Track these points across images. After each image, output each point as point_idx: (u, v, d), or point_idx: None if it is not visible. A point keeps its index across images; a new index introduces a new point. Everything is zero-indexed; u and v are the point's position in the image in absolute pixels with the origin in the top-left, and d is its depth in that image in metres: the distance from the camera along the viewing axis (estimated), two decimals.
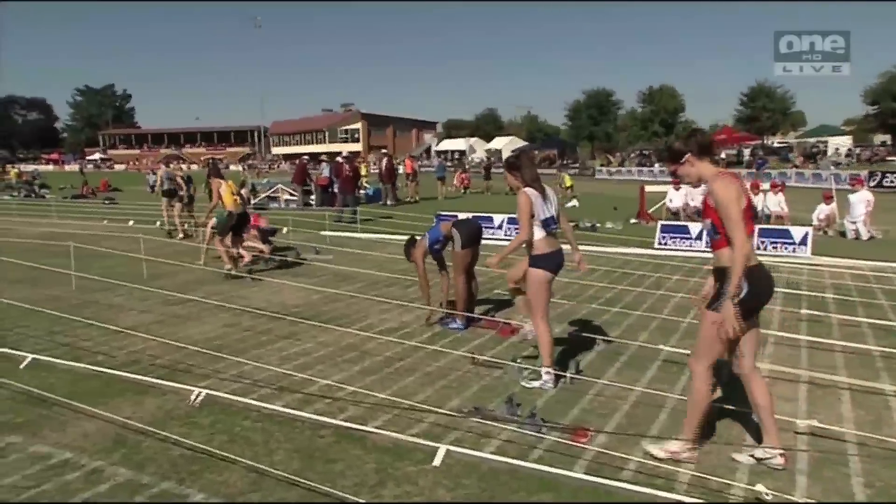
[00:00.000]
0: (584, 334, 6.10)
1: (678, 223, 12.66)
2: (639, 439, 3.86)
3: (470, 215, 14.45)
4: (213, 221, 9.43)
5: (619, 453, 3.65)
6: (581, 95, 78.42)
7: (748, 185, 14.87)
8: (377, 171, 24.61)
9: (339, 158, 18.43)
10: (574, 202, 22.16)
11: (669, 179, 35.60)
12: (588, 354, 5.60)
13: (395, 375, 5.12)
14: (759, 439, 3.71)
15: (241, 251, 9.25)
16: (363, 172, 22.64)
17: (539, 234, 4.84)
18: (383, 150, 22.93)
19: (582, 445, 3.82)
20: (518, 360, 5.27)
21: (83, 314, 6.86)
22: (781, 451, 3.53)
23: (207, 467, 3.57)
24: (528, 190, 4.91)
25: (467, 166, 51.16)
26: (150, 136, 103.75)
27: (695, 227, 11.69)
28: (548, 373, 4.82)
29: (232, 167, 76.22)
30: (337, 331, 6.30)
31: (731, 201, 3.31)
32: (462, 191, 29.80)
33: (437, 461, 3.62)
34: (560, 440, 3.86)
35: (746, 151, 45.53)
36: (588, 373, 5.05)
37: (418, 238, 6.86)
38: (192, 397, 4.47)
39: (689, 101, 73.29)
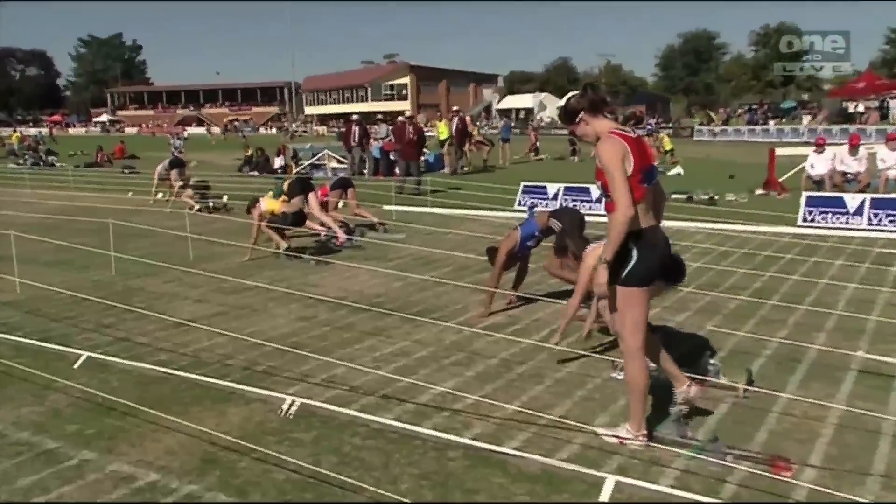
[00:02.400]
0: (743, 334, 5.80)
1: (829, 195, 12.08)
2: (863, 478, 3.58)
3: (560, 186, 14.30)
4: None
5: (842, 493, 3.37)
6: (676, 39, 76.43)
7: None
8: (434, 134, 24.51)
9: (400, 119, 18.31)
10: (678, 170, 21.56)
11: (802, 140, 34.43)
12: (756, 360, 5.31)
13: (519, 383, 4.96)
14: None
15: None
16: (442, 134, 22.39)
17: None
18: (455, 108, 22.70)
19: (787, 480, 3.56)
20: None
21: (132, 303, 6.94)
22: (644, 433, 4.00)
23: (323, 495, 3.48)
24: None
25: (537, 125, 50.71)
26: (165, 94, 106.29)
27: (852, 200, 11.11)
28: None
29: (262, 130, 77.54)
30: (434, 326, 6.18)
31: (612, 161, 3.72)
32: (533, 155, 29.44)
33: (604, 495, 3.42)
34: (754, 472, 3.61)
35: (893, 103, 43.17)
36: (764, 384, 4.76)
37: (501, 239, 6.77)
38: (285, 407, 4.40)
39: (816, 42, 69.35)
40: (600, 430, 4.12)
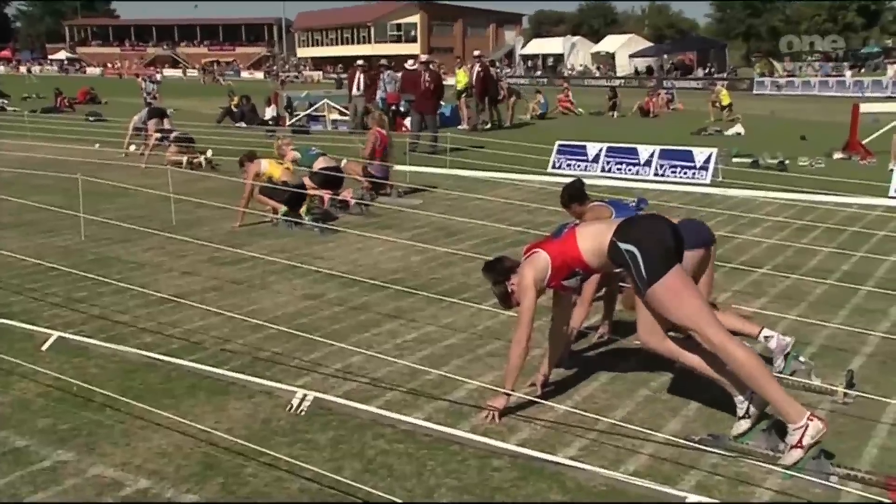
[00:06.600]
0: (835, 326, 5.67)
1: None
2: None
3: (602, 146, 14.08)
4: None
5: None
6: None
7: None
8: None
9: (413, 64, 18.03)
10: (738, 128, 21.31)
11: (886, 94, 33.94)
12: (854, 358, 5.18)
13: (570, 379, 4.86)
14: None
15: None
16: (461, 83, 22.08)
17: None
18: (476, 53, 22.37)
19: None
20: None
21: (108, 274, 6.86)
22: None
23: None
24: None
25: (567, 73, 50.23)
26: (133, 29, 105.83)
27: None
28: None
29: (244, 74, 77.22)
30: (464, 308, 6.10)
31: (526, 291, 4.25)
32: (568, 107, 29.20)
33: None
34: (866, 496, 3.50)
35: None
36: (867, 388, 4.63)
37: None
38: (295, 402, 4.32)
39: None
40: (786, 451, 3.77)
